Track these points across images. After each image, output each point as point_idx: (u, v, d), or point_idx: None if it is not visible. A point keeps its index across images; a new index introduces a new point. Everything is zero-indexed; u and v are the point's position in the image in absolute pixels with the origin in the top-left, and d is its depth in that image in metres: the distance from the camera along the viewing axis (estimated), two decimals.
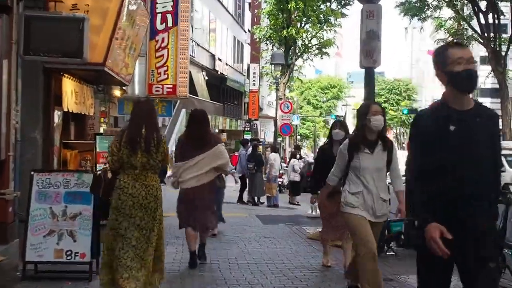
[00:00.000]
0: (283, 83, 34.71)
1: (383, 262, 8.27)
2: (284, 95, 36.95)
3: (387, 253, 9.14)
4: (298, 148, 23.12)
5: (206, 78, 35.32)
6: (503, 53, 36.95)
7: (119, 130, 6.11)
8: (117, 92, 12.78)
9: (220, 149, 7.59)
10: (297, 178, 19.05)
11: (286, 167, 24.14)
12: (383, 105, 41.68)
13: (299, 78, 43.08)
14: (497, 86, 52.90)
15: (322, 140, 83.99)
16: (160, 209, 5.58)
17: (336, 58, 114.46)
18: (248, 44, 48.11)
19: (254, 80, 46.11)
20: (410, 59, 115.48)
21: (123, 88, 13.10)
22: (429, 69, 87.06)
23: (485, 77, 45.57)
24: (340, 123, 7.81)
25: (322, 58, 42.77)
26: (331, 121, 72.82)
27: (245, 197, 18.19)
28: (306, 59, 39.31)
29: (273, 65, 28.57)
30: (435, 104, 3.72)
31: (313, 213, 13.71)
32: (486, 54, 52.60)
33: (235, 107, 44.88)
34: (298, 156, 20.06)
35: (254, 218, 14.15)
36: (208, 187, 7.52)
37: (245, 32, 48.20)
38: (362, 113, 5.83)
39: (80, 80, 10.51)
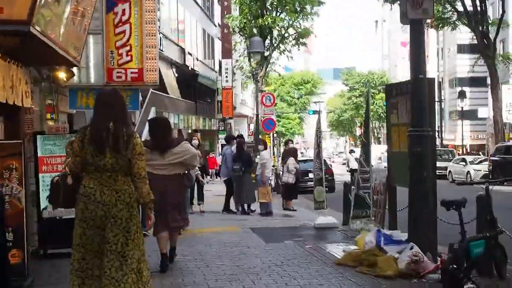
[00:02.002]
0: (260, 76, 31.88)
1: None
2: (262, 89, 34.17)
3: (465, 286, 6.15)
4: (286, 143, 20.04)
5: (176, 75, 32.27)
6: (491, 36, 34.72)
7: (81, 128, 5.00)
8: (61, 75, 9.54)
9: (185, 146, 7.76)
10: (291, 179, 16.03)
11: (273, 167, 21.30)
12: (358, 99, 39.94)
13: (276, 71, 40.56)
14: (480, 74, 51.17)
15: (298, 138, 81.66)
16: (136, 219, 4.68)
17: (305, 54, 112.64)
18: (219, 39, 45.15)
19: (226, 77, 43.29)
20: (381, 52, 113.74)
21: (71, 70, 9.95)
22: (401, 61, 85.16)
23: (472, 66, 43.42)
24: None
25: (299, 49, 40.26)
26: (307, 118, 70.68)
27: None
28: (284, 51, 36.69)
29: (251, 54, 25.44)
30: None
31: None
32: (464, 42, 50.68)
33: (208, 106, 41.83)
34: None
35: (250, 233, 11.09)
36: (177, 185, 7.60)
37: (215, 26, 45.18)
38: None
39: (1, 55, 7.33)
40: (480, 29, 34.86)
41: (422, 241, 6.94)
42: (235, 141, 15.38)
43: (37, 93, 9.72)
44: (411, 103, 7.23)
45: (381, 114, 67.00)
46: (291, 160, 15.96)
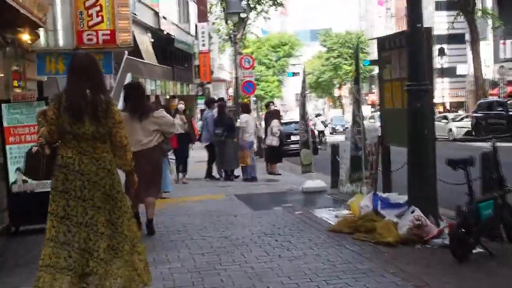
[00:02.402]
0: (238, 38, 31.14)
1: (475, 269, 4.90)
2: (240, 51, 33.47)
3: (474, 251, 5.68)
4: (268, 106, 19.46)
5: (152, 40, 31.31)
6: None
7: (55, 95, 4.65)
8: (25, 37, 8.75)
9: (161, 113, 7.58)
10: (275, 142, 15.50)
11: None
12: (336, 60, 39.63)
13: (253, 33, 39.83)
14: (459, 31, 50.68)
15: (277, 102, 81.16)
16: (119, 186, 4.54)
17: (282, 16, 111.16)
18: (194, 1, 43.98)
19: (203, 41, 42.34)
20: (358, 12, 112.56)
21: (36, 31, 9.16)
22: (378, 20, 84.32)
23: (451, 23, 42.90)
24: None
25: (276, 10, 39.56)
26: (286, 80, 69.81)
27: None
28: (261, 11, 35.89)
29: (228, 16, 24.66)
30: None
31: None
32: None
33: (185, 71, 40.88)
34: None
35: (235, 200, 10.58)
36: (150, 161, 7.29)
37: None
38: None
39: None
40: None
41: (423, 204, 6.43)
42: (215, 104, 14.75)
43: (0, 59, 8.97)
44: (408, 56, 6.66)
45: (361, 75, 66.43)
46: (274, 122, 15.40)
